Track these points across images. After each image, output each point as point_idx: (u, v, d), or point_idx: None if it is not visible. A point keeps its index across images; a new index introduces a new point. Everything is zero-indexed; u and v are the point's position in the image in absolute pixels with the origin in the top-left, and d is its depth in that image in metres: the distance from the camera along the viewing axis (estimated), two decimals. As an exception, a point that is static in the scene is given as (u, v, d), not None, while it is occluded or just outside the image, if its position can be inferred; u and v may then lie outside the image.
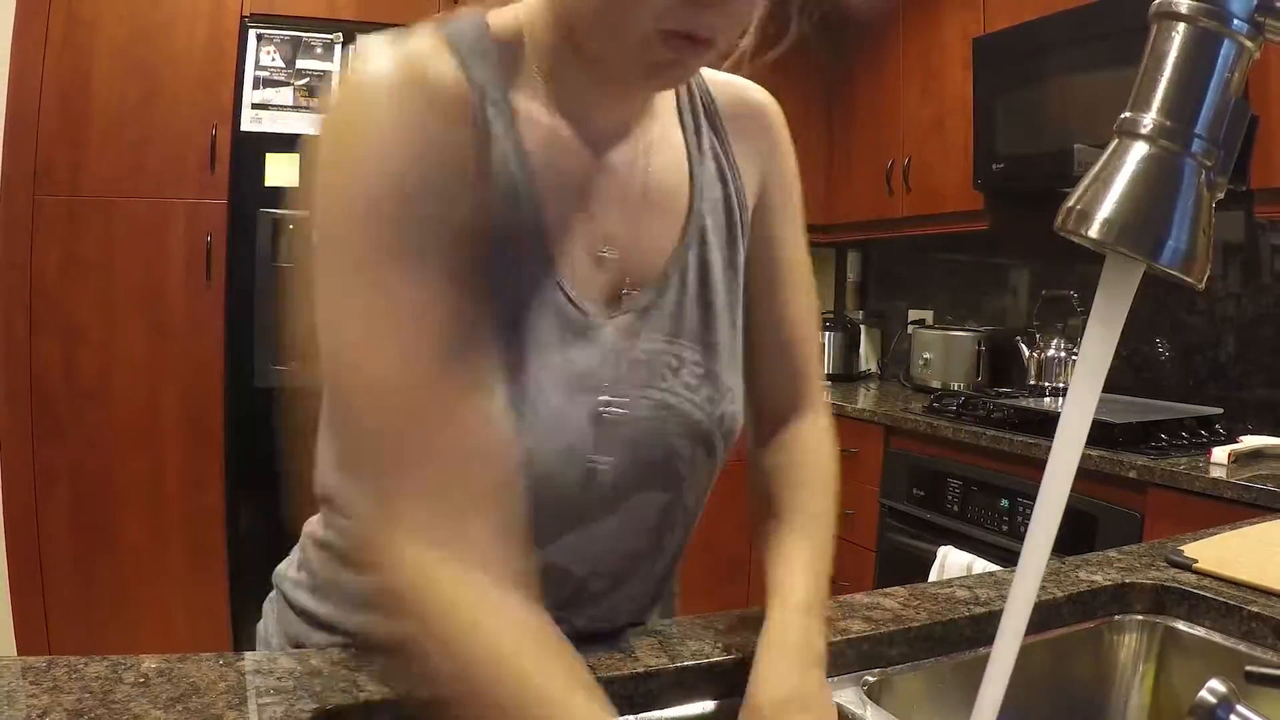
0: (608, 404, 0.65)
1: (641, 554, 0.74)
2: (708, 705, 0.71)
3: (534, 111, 0.64)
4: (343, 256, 0.54)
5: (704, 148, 0.73)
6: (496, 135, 0.61)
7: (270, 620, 0.82)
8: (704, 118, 0.75)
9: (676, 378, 0.69)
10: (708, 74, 0.76)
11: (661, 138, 0.71)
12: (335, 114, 0.57)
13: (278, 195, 2.66)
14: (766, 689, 0.63)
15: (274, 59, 2.67)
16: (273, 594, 0.83)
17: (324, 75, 2.70)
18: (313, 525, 0.79)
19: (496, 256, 0.61)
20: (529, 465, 0.62)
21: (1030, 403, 2.48)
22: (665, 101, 0.73)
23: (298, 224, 0.56)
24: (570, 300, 0.64)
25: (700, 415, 0.70)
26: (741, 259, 0.75)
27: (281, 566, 0.83)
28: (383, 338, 0.52)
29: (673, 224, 0.71)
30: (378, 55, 0.58)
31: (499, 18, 0.66)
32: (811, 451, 0.77)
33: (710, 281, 0.72)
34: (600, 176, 0.67)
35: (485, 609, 0.50)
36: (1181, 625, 0.88)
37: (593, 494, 0.67)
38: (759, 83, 0.80)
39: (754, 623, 0.78)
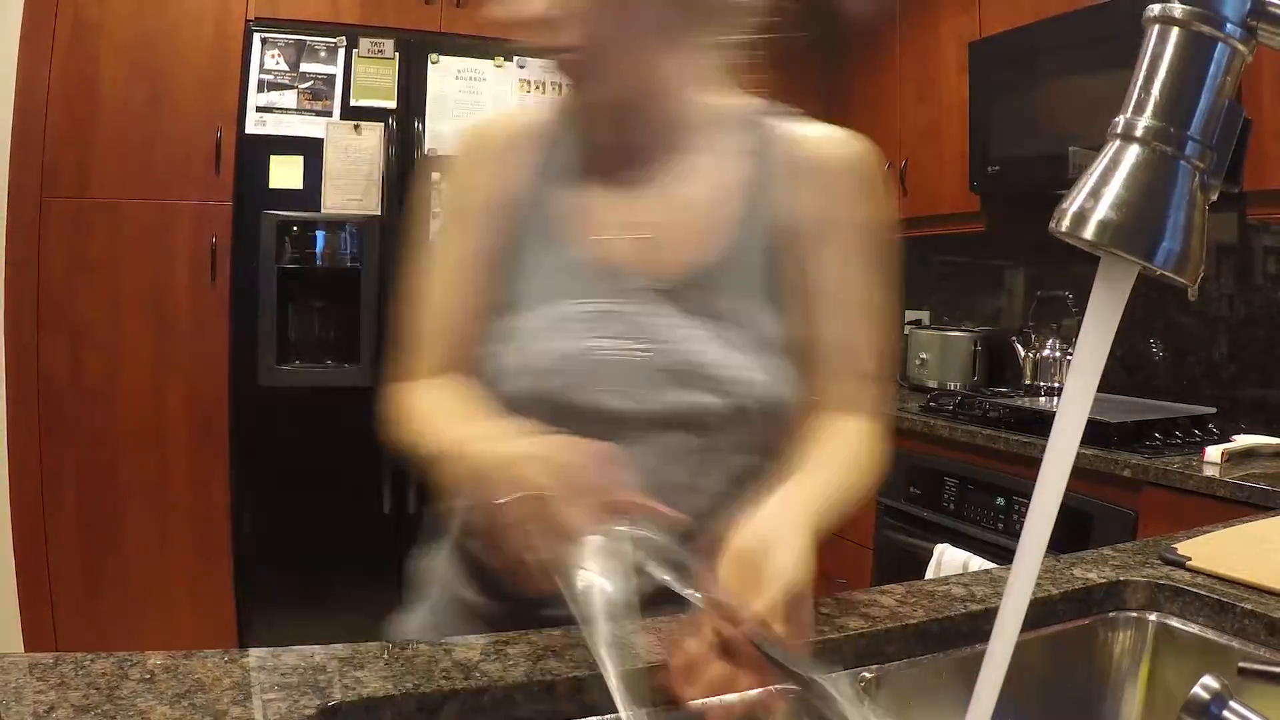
0: (610, 344, 0.81)
1: (679, 486, 0.79)
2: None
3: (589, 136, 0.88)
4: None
5: (764, 187, 0.85)
6: (558, 149, 0.88)
7: (440, 564, 0.94)
8: (776, 163, 0.85)
9: (705, 345, 0.80)
10: (799, 130, 0.87)
11: (713, 168, 0.85)
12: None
13: (281, 197, 2.66)
14: (746, 531, 0.66)
15: (278, 62, 2.68)
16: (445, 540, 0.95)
17: (328, 78, 2.71)
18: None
19: (543, 223, 0.86)
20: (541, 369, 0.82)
21: (1026, 402, 2.49)
22: (724, 144, 0.86)
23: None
24: (596, 258, 0.83)
25: (727, 376, 0.80)
26: (782, 271, 0.85)
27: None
28: (427, 273, 0.91)
29: (714, 237, 0.84)
30: (476, 120, 0.95)
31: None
32: (847, 439, 0.83)
33: (749, 277, 0.83)
34: (632, 173, 0.86)
35: (440, 406, 0.83)
36: (1175, 622, 0.89)
37: (614, 410, 0.80)
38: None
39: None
